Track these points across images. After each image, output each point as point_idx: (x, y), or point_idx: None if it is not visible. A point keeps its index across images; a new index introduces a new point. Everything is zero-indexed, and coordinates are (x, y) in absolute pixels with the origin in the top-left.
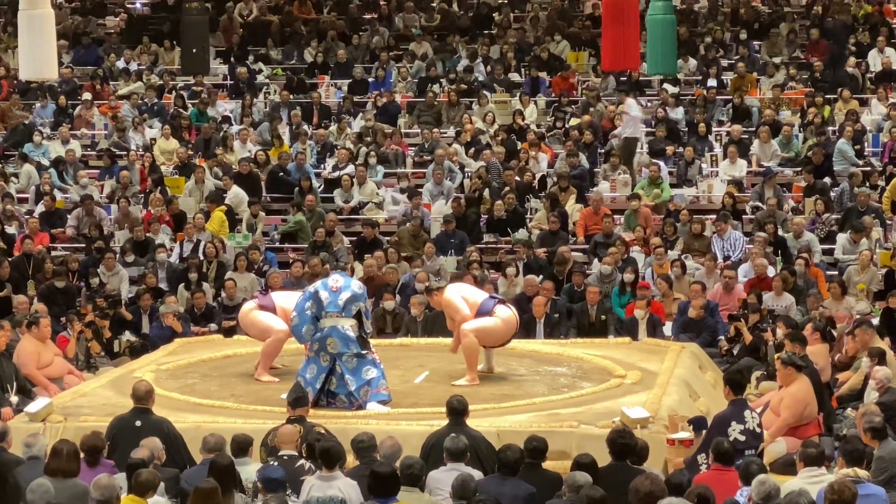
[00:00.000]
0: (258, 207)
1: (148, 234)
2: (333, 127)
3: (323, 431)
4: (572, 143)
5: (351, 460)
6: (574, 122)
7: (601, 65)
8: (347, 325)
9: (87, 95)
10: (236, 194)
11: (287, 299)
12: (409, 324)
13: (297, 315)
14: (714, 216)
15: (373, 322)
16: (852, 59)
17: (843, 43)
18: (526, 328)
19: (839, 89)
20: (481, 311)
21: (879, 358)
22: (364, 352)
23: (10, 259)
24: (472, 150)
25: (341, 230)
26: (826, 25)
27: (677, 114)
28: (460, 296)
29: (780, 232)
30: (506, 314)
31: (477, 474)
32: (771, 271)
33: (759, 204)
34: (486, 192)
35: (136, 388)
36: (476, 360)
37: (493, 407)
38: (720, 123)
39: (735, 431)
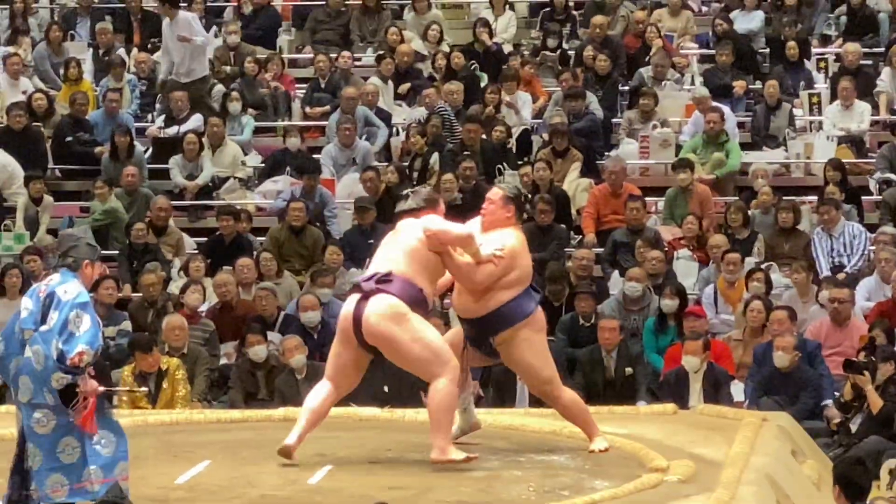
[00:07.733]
0: (41, 187)
1: None
2: None
3: None
4: (570, 74)
5: None
6: (576, 41)
7: None
8: (45, 352)
9: None
10: (3, 166)
11: None
12: (285, 384)
13: (3, 341)
14: (815, 197)
15: (235, 380)
16: None
17: None
18: (498, 389)
19: None
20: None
21: None
22: (69, 409)
23: None
24: (405, 88)
25: (181, 226)
26: None
27: (751, 22)
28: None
29: None
30: None
31: None
32: None
33: (893, 176)
34: (431, 160)
35: None
36: (585, 412)
37: None
38: (825, 40)
39: None
